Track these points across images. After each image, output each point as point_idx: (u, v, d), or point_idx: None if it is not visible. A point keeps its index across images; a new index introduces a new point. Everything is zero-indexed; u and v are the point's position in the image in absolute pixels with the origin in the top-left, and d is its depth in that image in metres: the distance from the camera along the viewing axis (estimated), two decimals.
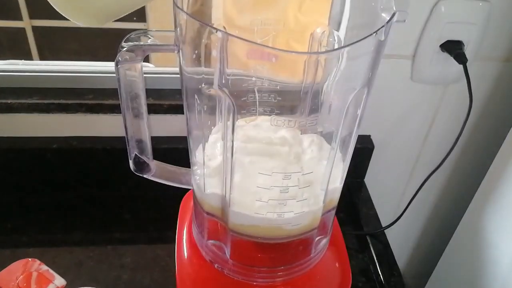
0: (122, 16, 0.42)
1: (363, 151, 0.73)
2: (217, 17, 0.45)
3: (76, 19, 0.40)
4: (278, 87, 0.42)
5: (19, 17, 1.16)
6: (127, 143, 0.45)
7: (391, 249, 0.65)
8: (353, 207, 0.72)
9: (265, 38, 0.46)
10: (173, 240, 0.53)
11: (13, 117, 0.65)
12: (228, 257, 0.46)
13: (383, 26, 0.34)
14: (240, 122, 0.44)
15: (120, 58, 0.39)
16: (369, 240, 0.66)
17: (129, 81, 0.40)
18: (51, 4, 0.38)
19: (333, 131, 0.41)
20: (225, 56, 0.35)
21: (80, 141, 0.67)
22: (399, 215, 0.68)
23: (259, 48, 0.33)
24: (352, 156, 0.45)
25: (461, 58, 0.61)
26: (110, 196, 0.70)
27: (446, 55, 0.63)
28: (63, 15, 0.40)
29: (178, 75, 0.41)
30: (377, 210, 0.72)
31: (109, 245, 0.63)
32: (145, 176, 0.48)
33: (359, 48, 0.35)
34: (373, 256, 0.64)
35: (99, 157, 0.67)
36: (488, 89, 0.70)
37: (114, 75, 0.40)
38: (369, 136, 0.73)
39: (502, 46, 0.66)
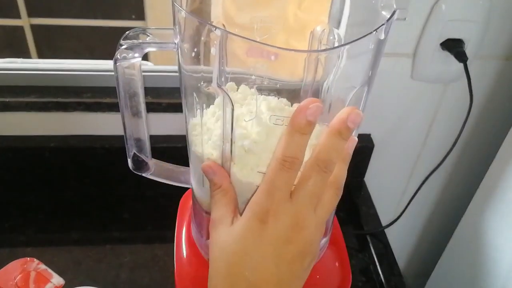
0: None
1: (363, 150, 0.72)
2: (216, 15, 0.45)
3: None
4: (278, 86, 0.42)
5: (17, 16, 1.16)
6: (125, 142, 0.45)
7: (391, 249, 0.65)
8: (353, 206, 0.72)
9: (265, 36, 0.46)
10: (172, 239, 0.53)
11: (11, 115, 0.65)
12: None
13: (383, 24, 0.34)
14: (239, 120, 0.43)
15: (118, 56, 0.38)
16: (369, 240, 0.66)
17: (127, 79, 0.40)
18: None
19: None
20: (224, 54, 0.35)
21: (79, 140, 0.67)
22: (399, 214, 0.68)
23: (258, 46, 0.33)
24: (352, 155, 0.44)
25: (461, 57, 0.61)
26: (109, 195, 0.69)
27: (446, 53, 0.63)
28: None
29: (177, 73, 0.41)
30: (377, 209, 0.72)
31: (108, 244, 0.62)
32: (143, 174, 0.48)
33: (359, 46, 0.35)
34: (373, 256, 0.64)
35: (97, 155, 0.67)
36: (488, 87, 0.70)
37: (113, 73, 0.40)
38: (369, 135, 0.73)
39: (503, 44, 0.65)
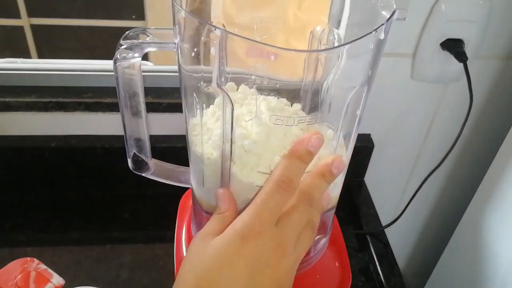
0: None
1: (363, 150, 0.72)
2: (216, 15, 0.45)
3: None
4: (278, 86, 0.42)
5: (17, 15, 1.16)
6: (125, 142, 0.45)
7: (391, 248, 0.65)
8: (353, 206, 0.72)
9: (265, 36, 0.46)
10: (172, 239, 0.53)
11: (11, 115, 0.65)
12: None
13: (383, 24, 0.34)
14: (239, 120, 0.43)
15: (118, 56, 0.38)
16: (369, 239, 0.66)
17: (127, 79, 0.40)
18: None
19: (333, 130, 0.41)
20: (224, 54, 0.35)
21: (79, 140, 0.67)
22: (399, 214, 0.68)
23: (258, 46, 0.33)
24: (352, 155, 0.44)
25: (461, 57, 0.61)
26: (109, 195, 0.69)
27: (446, 53, 0.63)
28: None
29: (177, 73, 0.41)
30: (377, 209, 0.72)
31: (108, 244, 0.62)
32: (143, 174, 0.48)
33: (359, 46, 0.35)
34: (373, 255, 0.64)
35: (97, 155, 0.67)
36: (488, 87, 0.70)
37: (113, 73, 0.40)
38: (369, 134, 0.73)
39: (503, 44, 0.65)
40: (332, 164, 0.37)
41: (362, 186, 0.76)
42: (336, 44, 0.45)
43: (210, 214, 0.45)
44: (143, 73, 0.41)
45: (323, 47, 0.46)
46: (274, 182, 0.35)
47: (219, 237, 0.35)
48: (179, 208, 0.57)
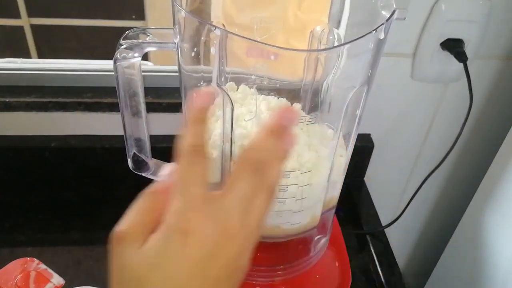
0: None
1: (363, 150, 0.72)
2: (216, 15, 0.45)
3: None
4: (278, 85, 0.42)
5: (17, 15, 1.16)
6: (125, 142, 0.45)
7: (391, 248, 0.65)
8: (353, 206, 0.72)
9: (265, 36, 0.46)
10: None
11: (11, 115, 0.64)
12: None
13: (383, 24, 0.34)
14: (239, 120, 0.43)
15: (118, 56, 0.38)
16: (369, 239, 0.66)
17: (127, 79, 0.40)
18: None
19: (333, 129, 0.41)
20: (224, 54, 0.35)
21: (79, 140, 0.67)
22: (399, 214, 0.68)
23: (258, 45, 0.33)
24: (352, 155, 0.45)
25: (461, 57, 0.61)
26: (109, 195, 0.69)
27: (446, 53, 0.63)
28: None
29: (177, 73, 0.41)
30: (377, 209, 0.71)
31: (108, 244, 0.62)
32: (143, 174, 0.48)
33: (359, 46, 0.35)
34: (373, 256, 0.64)
35: (97, 155, 0.67)
36: (488, 87, 0.70)
37: (113, 73, 0.40)
38: (369, 134, 0.73)
39: (503, 44, 0.65)
40: (280, 115, 0.31)
41: (362, 186, 0.76)
42: (336, 44, 0.45)
43: None
44: (143, 73, 0.41)
45: (323, 47, 0.46)
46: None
47: (153, 240, 0.30)
48: None
